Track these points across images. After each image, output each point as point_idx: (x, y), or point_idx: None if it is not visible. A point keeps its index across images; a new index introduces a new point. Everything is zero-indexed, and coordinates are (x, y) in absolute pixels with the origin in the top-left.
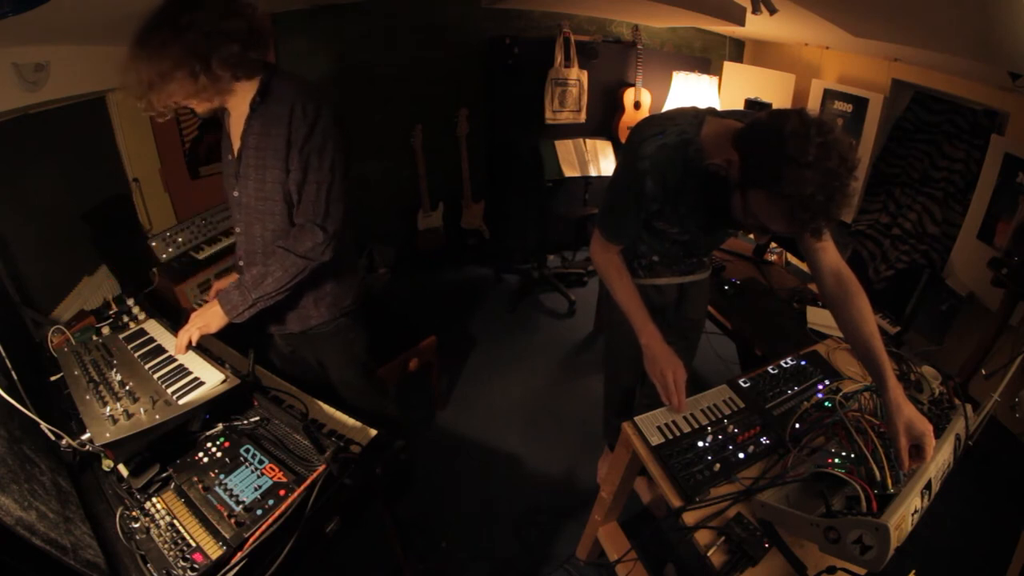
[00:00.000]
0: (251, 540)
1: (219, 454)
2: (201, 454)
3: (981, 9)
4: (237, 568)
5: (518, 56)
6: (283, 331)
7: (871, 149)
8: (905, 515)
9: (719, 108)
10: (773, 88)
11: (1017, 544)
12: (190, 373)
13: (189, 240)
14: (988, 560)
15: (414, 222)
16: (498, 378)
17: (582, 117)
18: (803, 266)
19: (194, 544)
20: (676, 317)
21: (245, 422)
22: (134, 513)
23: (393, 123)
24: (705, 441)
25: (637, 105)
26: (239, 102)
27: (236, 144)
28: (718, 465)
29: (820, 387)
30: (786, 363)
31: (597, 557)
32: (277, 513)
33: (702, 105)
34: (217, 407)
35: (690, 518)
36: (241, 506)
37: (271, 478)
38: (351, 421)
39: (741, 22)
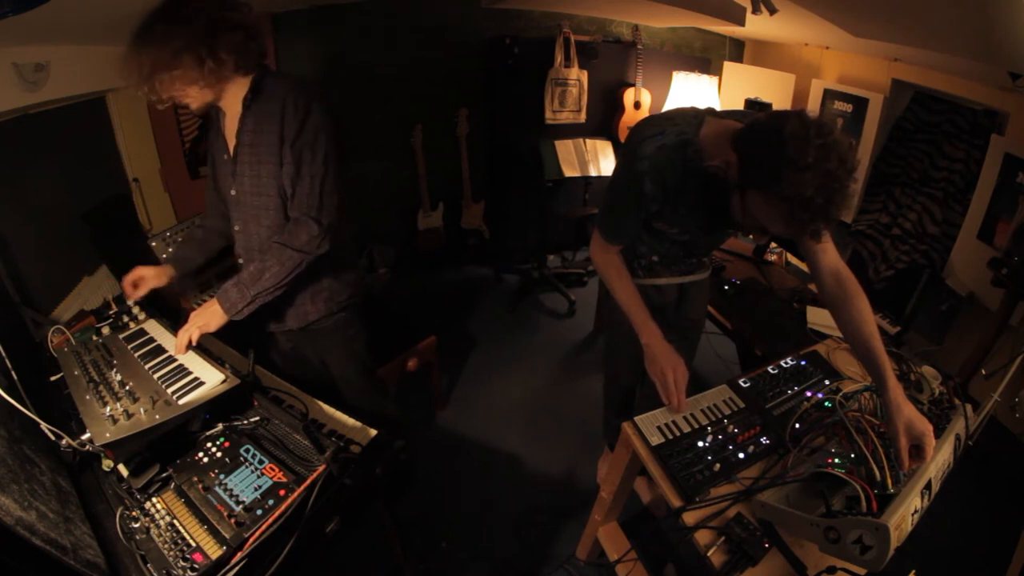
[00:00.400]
0: (251, 540)
1: (219, 454)
2: (201, 454)
3: (981, 9)
4: (237, 568)
5: (518, 56)
6: (282, 328)
7: (871, 149)
8: (905, 515)
9: (719, 108)
10: (773, 88)
11: (1017, 544)
12: (190, 373)
13: None
14: (988, 560)
15: (414, 222)
16: (498, 378)
17: (582, 117)
18: (803, 266)
19: (194, 544)
20: (676, 317)
21: (245, 422)
22: (134, 513)
23: (393, 123)
24: (705, 441)
25: (637, 105)
26: (233, 101)
27: (231, 143)
28: (718, 465)
29: (820, 387)
30: (786, 363)
31: (597, 557)
32: (277, 513)
33: (702, 105)
34: (217, 407)
35: (690, 518)
36: (241, 506)
37: (271, 478)
38: (351, 421)
39: (741, 22)
